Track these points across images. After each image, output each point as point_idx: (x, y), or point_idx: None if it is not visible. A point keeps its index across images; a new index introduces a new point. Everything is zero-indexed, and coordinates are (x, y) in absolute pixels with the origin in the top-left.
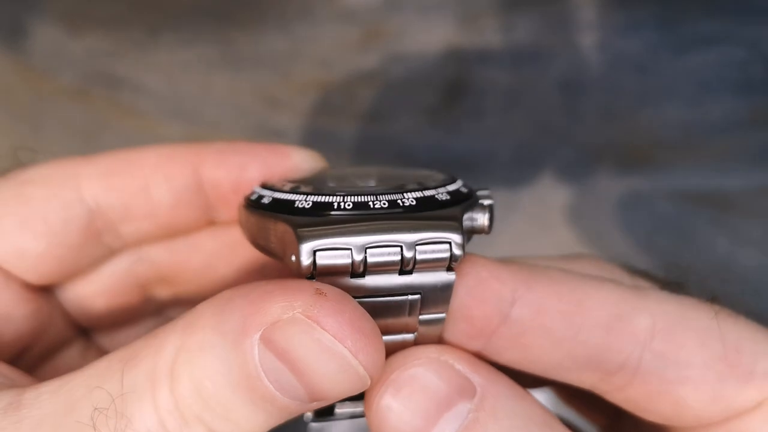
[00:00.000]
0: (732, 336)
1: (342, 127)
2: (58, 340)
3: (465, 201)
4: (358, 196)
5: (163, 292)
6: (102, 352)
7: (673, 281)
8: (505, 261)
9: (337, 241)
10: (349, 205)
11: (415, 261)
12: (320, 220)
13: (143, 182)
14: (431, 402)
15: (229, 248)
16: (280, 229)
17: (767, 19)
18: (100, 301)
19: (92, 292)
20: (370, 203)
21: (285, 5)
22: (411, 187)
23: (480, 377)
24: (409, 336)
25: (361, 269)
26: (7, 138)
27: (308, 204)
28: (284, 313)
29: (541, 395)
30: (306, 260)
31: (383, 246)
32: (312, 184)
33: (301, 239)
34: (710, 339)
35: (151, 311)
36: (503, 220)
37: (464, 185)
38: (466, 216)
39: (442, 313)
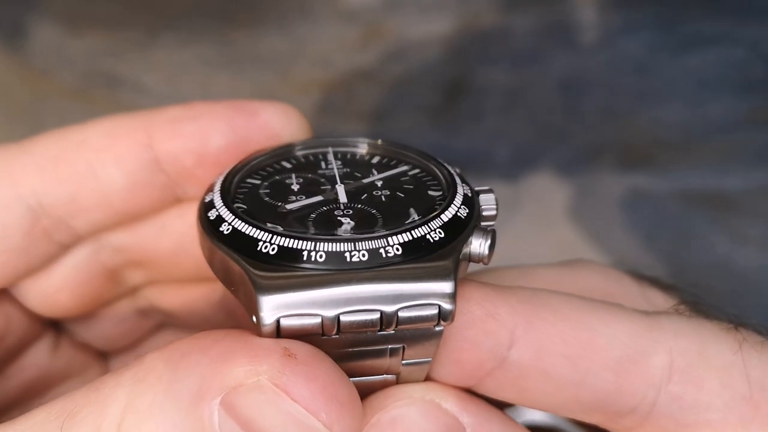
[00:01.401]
0: (757, 372)
1: (342, 127)
2: (21, 339)
3: (462, 233)
4: (332, 242)
5: (136, 276)
6: (74, 344)
7: (690, 299)
8: (502, 289)
9: (304, 309)
10: (321, 256)
11: (397, 322)
12: (285, 277)
13: (88, 168)
14: None
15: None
16: (239, 275)
17: (767, 19)
18: (65, 294)
19: (54, 286)
20: (347, 255)
21: (285, 5)
22: (396, 224)
23: (470, 416)
24: (391, 377)
25: (334, 332)
26: (7, 138)
27: (273, 249)
28: (248, 378)
29: (542, 413)
30: (268, 325)
31: (359, 311)
32: (277, 191)
33: (262, 303)
34: (733, 378)
35: (126, 293)
36: (503, 220)
37: (465, 196)
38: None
39: (428, 357)
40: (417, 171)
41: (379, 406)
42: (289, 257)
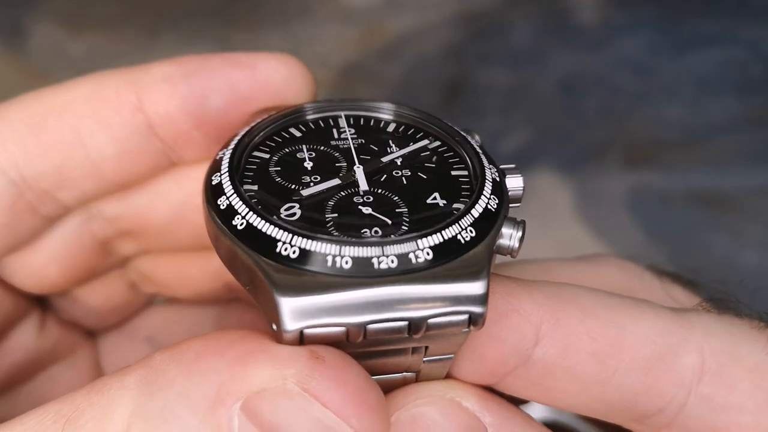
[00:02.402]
0: None
1: None
2: (5, 318)
3: (493, 227)
4: (359, 247)
5: (129, 247)
6: (61, 323)
7: (717, 296)
8: (527, 283)
9: (330, 319)
10: (347, 262)
11: (426, 329)
12: (309, 285)
13: (75, 135)
14: None
15: (198, 197)
16: (256, 276)
17: (767, 19)
18: (54, 269)
19: (41, 261)
20: (375, 261)
21: (285, 5)
22: (421, 213)
23: (491, 416)
24: (411, 374)
25: (360, 339)
26: None
27: (294, 252)
28: (273, 382)
29: (553, 410)
30: (291, 333)
31: (387, 321)
32: (289, 170)
33: (285, 314)
34: (766, 379)
35: (117, 265)
36: None
37: (494, 182)
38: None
39: (450, 354)
40: (437, 144)
41: (398, 405)
42: (311, 262)
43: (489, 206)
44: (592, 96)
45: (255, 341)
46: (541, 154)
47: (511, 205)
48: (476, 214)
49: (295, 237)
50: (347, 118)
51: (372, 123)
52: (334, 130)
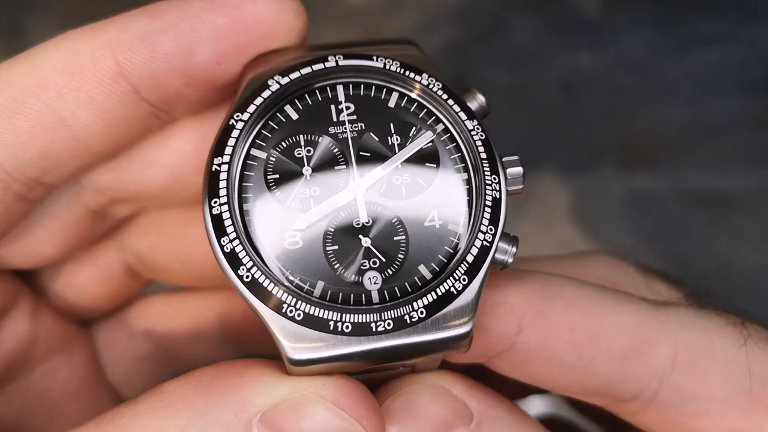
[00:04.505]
0: (759, 368)
1: None
2: None
3: (485, 261)
4: (359, 314)
5: (122, 210)
6: (54, 313)
7: (698, 292)
8: (517, 275)
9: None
10: (347, 327)
11: (416, 363)
12: (313, 347)
13: (55, 116)
14: (426, 428)
15: (194, 157)
16: (262, 320)
17: (767, 19)
18: (48, 245)
19: (35, 240)
20: (373, 326)
21: None
22: (427, 246)
23: (477, 402)
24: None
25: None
26: None
27: (299, 315)
28: (291, 393)
29: (550, 400)
30: (297, 370)
31: (381, 369)
32: (287, 175)
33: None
34: (735, 372)
35: (106, 230)
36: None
37: (495, 200)
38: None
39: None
40: (442, 135)
41: (392, 391)
42: (315, 325)
43: (485, 243)
44: (592, 96)
45: (269, 363)
46: (541, 154)
47: (511, 188)
48: (470, 259)
49: (299, 302)
50: (345, 90)
51: (372, 96)
52: (332, 107)
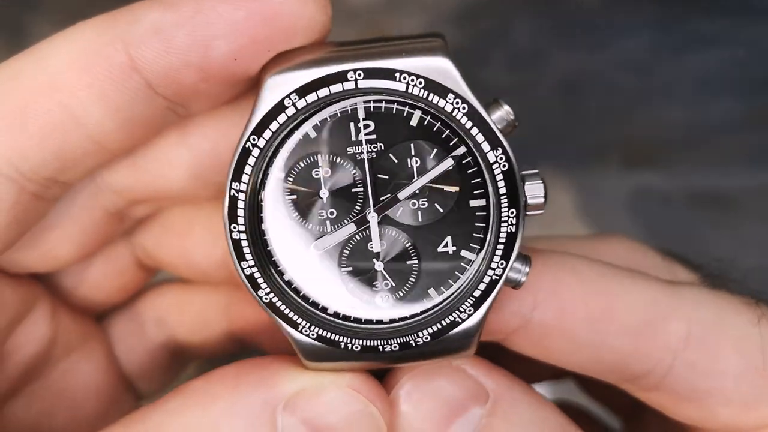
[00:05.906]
0: None
1: None
2: (13, 315)
3: (495, 288)
4: (367, 339)
5: (140, 211)
6: (71, 311)
7: (714, 273)
8: (532, 252)
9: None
10: (357, 347)
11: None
12: (327, 357)
13: (68, 114)
14: (443, 407)
15: (213, 155)
16: (280, 331)
17: (767, 19)
18: (65, 248)
19: (52, 243)
20: (380, 347)
21: None
22: (438, 270)
23: (493, 382)
24: None
25: None
26: None
27: (313, 335)
28: (312, 382)
29: (563, 386)
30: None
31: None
32: (305, 196)
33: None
34: (748, 349)
35: (122, 232)
36: None
37: (509, 235)
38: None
39: None
40: (463, 159)
41: (406, 371)
42: (328, 343)
43: (495, 275)
44: (592, 96)
45: (289, 359)
46: (541, 155)
47: (530, 213)
48: (477, 294)
49: (313, 327)
50: (366, 108)
51: (394, 112)
52: (352, 125)
